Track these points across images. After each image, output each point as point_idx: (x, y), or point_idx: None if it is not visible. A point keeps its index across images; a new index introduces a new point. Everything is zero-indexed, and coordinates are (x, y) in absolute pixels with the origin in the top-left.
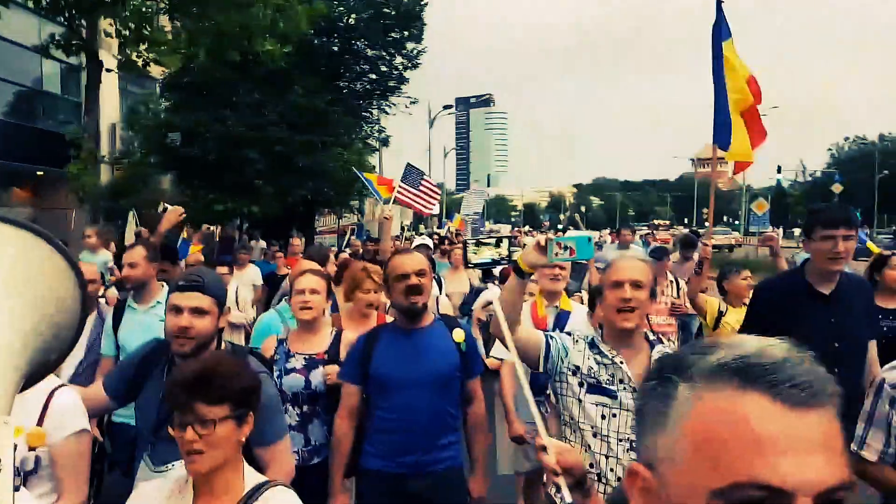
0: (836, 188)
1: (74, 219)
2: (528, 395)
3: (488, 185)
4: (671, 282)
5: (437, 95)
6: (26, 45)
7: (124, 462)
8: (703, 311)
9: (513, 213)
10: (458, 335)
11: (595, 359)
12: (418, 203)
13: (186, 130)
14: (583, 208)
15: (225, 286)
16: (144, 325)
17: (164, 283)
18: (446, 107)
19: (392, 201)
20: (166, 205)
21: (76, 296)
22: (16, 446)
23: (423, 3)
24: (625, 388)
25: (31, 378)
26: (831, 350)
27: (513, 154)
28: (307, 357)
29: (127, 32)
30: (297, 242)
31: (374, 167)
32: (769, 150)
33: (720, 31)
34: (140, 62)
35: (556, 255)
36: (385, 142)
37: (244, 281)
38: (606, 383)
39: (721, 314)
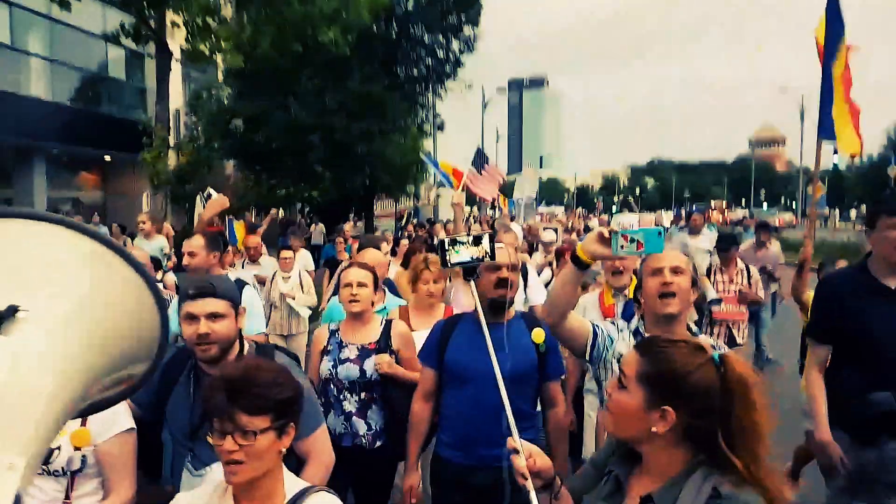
0: (892, 171)
1: (149, 203)
2: (504, 398)
3: (541, 167)
4: (741, 270)
5: (490, 78)
6: (91, 32)
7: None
8: (806, 307)
9: (566, 195)
10: (538, 335)
11: None
12: (481, 188)
13: (250, 118)
14: (637, 190)
15: (236, 288)
16: None
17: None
18: (500, 90)
19: (462, 188)
20: (211, 191)
21: (155, 324)
22: (60, 447)
23: None
24: None
25: (91, 408)
26: None
27: (566, 136)
28: (360, 347)
29: (194, 25)
30: (350, 227)
31: (429, 153)
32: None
33: (837, 23)
34: (206, 51)
35: (622, 248)
36: (441, 127)
37: (266, 269)
38: None
39: None
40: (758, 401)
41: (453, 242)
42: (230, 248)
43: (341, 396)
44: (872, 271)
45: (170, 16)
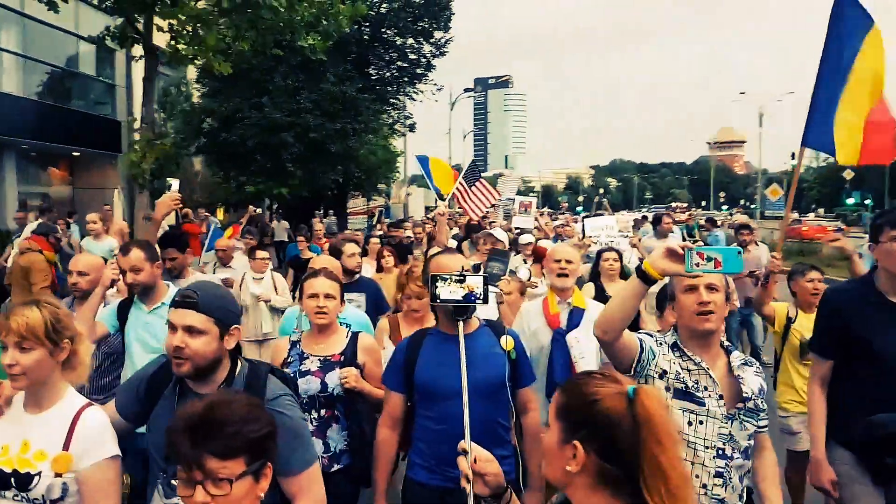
0: (848, 174)
1: (121, 199)
2: (465, 407)
3: (506, 167)
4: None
5: (457, 77)
6: (62, 28)
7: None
8: (771, 319)
9: (530, 195)
10: (507, 342)
11: (679, 363)
12: (470, 204)
13: (224, 116)
14: (600, 190)
15: (235, 304)
16: (148, 326)
17: (170, 284)
18: (467, 90)
19: (449, 197)
20: (172, 182)
21: None
22: (41, 473)
23: None
24: (710, 395)
25: None
26: None
27: (530, 136)
28: (322, 359)
29: (185, 31)
30: (320, 227)
31: (402, 153)
32: (785, 136)
33: (851, 20)
34: (192, 55)
35: (697, 265)
36: (412, 128)
37: (239, 271)
38: (693, 389)
39: (790, 321)
40: (669, 440)
41: (444, 278)
42: (188, 250)
43: (310, 435)
44: (878, 286)
45: (156, 19)
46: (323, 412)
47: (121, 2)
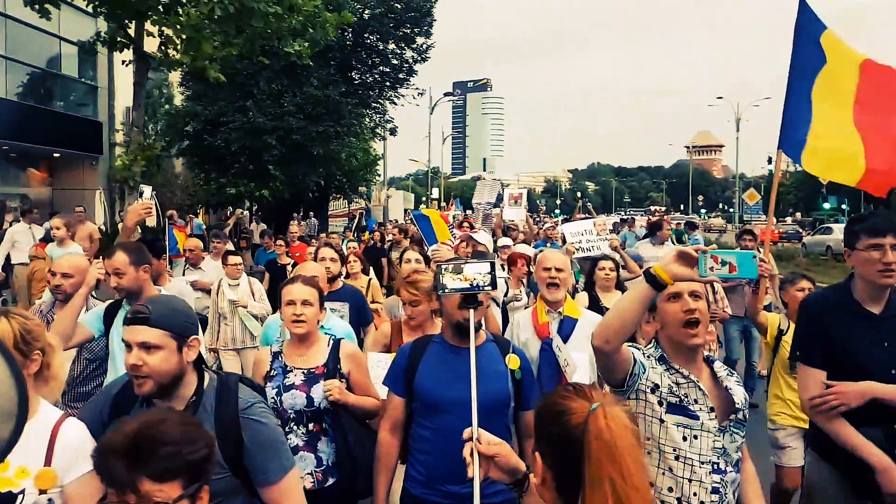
0: (824, 179)
1: (102, 200)
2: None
3: (484, 170)
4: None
5: (436, 81)
6: (44, 29)
7: None
8: (764, 328)
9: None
10: (513, 361)
11: (669, 377)
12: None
13: (209, 120)
14: (578, 193)
15: (191, 314)
16: None
17: (161, 289)
18: (447, 94)
19: (451, 240)
20: (144, 188)
21: (7, 385)
22: (24, 491)
23: (434, 0)
24: (701, 409)
25: None
26: (888, 379)
27: (508, 139)
28: (306, 372)
29: (176, 39)
30: (295, 229)
31: (381, 156)
32: (762, 141)
33: (810, 24)
34: (186, 62)
35: (711, 269)
36: (393, 131)
37: (209, 273)
38: (686, 403)
39: (781, 332)
40: (628, 460)
41: (450, 266)
42: (164, 256)
43: (287, 428)
44: (855, 294)
45: (147, 25)
46: (311, 426)
47: (114, 8)
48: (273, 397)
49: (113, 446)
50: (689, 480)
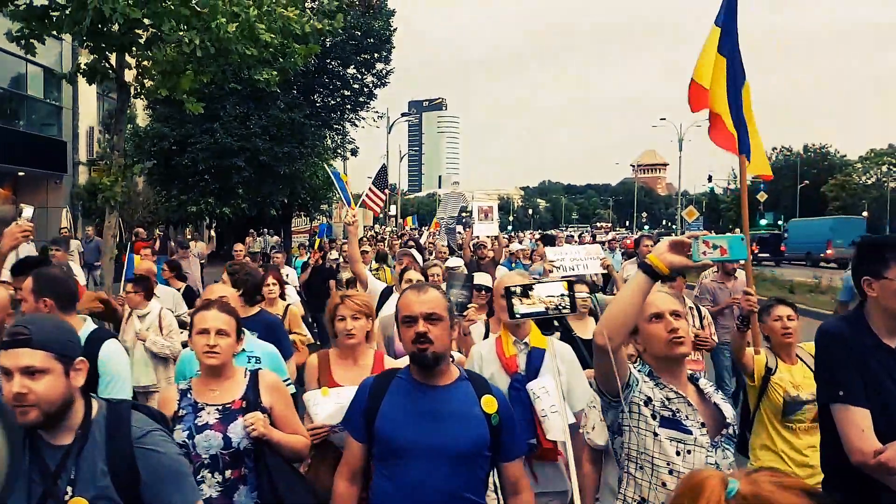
0: (761, 196)
1: (67, 218)
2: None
3: (439, 187)
4: (690, 308)
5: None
6: (8, 51)
7: None
8: (749, 371)
9: (463, 214)
10: (489, 404)
11: (659, 392)
12: (372, 201)
13: (177, 141)
14: (530, 210)
15: (74, 332)
16: None
17: (87, 318)
18: (404, 114)
19: (359, 204)
20: (25, 208)
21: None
22: None
23: (392, 28)
24: (692, 424)
25: None
26: None
27: (463, 157)
28: (221, 408)
29: (154, 73)
30: (240, 248)
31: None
32: (703, 159)
33: (729, 22)
34: (164, 94)
35: (704, 254)
36: (354, 152)
37: (164, 300)
38: (678, 417)
39: (769, 371)
40: None
41: (522, 290)
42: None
43: (199, 476)
44: (872, 326)
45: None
46: (228, 473)
47: (97, 40)
48: (183, 440)
49: None
50: None
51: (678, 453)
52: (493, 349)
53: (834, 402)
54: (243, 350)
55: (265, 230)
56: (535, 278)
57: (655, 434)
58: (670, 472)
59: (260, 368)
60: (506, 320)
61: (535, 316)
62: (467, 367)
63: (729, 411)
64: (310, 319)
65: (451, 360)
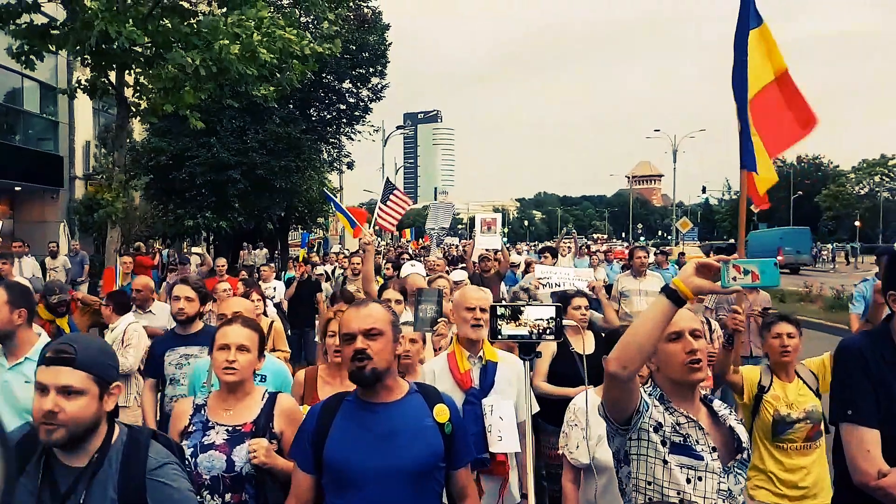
0: (755, 207)
1: (64, 232)
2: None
3: (435, 199)
4: (702, 322)
5: (387, 112)
6: (5, 66)
7: None
8: (738, 388)
9: (459, 227)
10: (441, 413)
11: (669, 416)
12: (387, 219)
13: (173, 155)
14: (526, 222)
15: (115, 356)
16: (6, 386)
17: (42, 334)
18: (399, 127)
19: (373, 225)
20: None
21: None
22: None
23: (387, 43)
24: (704, 449)
25: None
26: None
27: (459, 168)
28: (230, 429)
29: (153, 90)
30: (222, 262)
31: (340, 189)
32: (697, 171)
33: (745, 22)
34: (169, 111)
35: (734, 279)
36: (350, 166)
37: (160, 316)
38: (689, 442)
39: (762, 389)
40: None
41: (508, 310)
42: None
43: (199, 498)
44: None
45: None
46: (228, 497)
47: (100, 60)
48: (188, 458)
49: None
50: None
51: (689, 480)
52: (446, 365)
53: (842, 420)
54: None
55: (258, 243)
56: (523, 289)
57: (665, 461)
58: (681, 502)
59: (279, 392)
60: (469, 334)
61: (519, 339)
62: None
63: (744, 435)
64: (289, 333)
65: (398, 373)
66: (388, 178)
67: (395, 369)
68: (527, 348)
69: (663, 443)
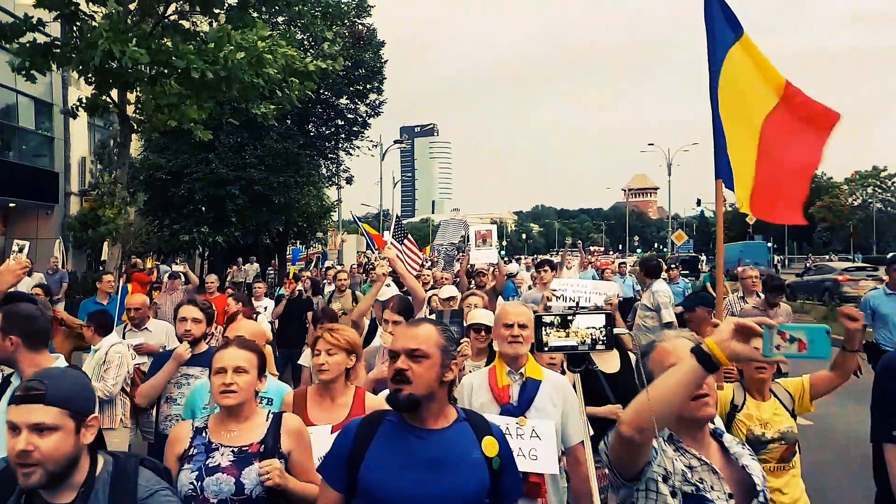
0: (751, 219)
1: (59, 249)
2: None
3: (433, 212)
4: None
5: (385, 126)
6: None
7: None
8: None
9: (457, 240)
10: (490, 446)
11: (681, 460)
12: (407, 261)
13: (173, 172)
14: (523, 235)
15: (90, 388)
16: None
17: (59, 357)
18: (396, 141)
19: (388, 247)
20: (19, 244)
21: None
22: None
23: (383, 60)
24: (719, 497)
25: None
26: None
27: (456, 181)
28: (236, 451)
29: (154, 106)
30: (213, 279)
31: (338, 201)
32: (692, 184)
33: (722, 34)
34: (173, 126)
35: (778, 348)
36: (349, 181)
37: (157, 334)
38: (703, 490)
39: (735, 409)
40: None
41: (555, 319)
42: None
43: None
44: None
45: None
46: None
47: (104, 79)
48: (192, 482)
49: None
50: None
51: None
52: (486, 379)
53: (886, 440)
54: (256, 393)
55: (250, 258)
56: (529, 306)
57: None
58: None
59: (284, 412)
60: (507, 351)
61: (567, 350)
62: (456, 396)
63: (758, 475)
64: (276, 353)
65: (447, 400)
66: (397, 215)
67: (442, 395)
68: (576, 360)
69: (673, 494)
